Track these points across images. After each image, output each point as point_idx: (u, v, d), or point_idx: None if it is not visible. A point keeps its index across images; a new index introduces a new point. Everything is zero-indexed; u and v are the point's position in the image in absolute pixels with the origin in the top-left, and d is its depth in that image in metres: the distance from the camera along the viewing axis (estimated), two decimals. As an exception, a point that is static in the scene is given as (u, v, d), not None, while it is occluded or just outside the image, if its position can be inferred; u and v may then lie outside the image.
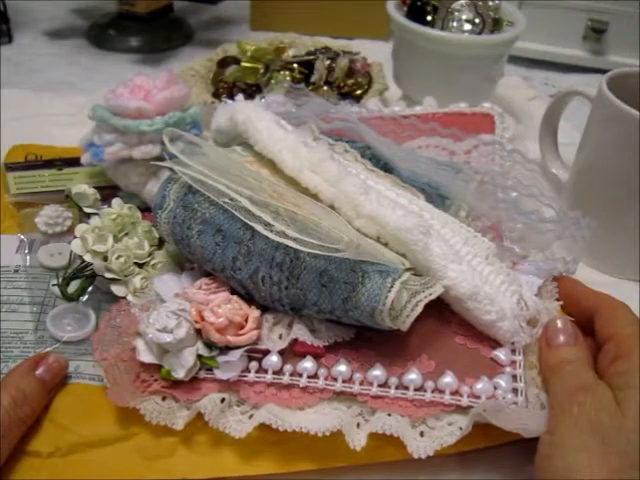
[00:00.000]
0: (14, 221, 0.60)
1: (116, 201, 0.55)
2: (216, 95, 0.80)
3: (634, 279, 0.63)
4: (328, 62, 0.82)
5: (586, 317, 0.47)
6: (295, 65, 0.83)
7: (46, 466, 0.43)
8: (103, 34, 1.04)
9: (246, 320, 0.47)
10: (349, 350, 0.46)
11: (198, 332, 0.46)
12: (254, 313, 0.47)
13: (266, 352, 0.46)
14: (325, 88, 0.80)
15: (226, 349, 0.46)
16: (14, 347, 0.49)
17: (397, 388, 0.44)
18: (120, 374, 0.45)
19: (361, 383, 0.44)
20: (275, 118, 0.56)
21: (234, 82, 0.82)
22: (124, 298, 0.51)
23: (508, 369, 0.45)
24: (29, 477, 0.42)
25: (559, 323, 0.46)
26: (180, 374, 0.44)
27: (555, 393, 0.42)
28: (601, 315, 0.46)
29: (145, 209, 0.57)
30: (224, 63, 0.86)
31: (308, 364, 0.45)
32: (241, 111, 0.56)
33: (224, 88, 0.82)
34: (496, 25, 0.79)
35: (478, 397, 0.43)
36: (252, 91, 0.79)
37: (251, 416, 0.44)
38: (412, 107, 0.69)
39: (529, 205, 0.56)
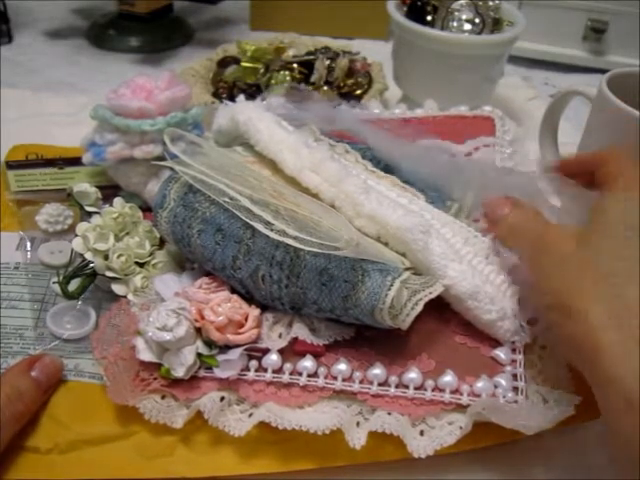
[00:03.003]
0: (15, 219, 0.60)
1: (117, 200, 0.55)
2: (216, 95, 0.80)
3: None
4: (328, 62, 0.82)
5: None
6: (295, 65, 0.83)
7: (44, 462, 0.43)
8: (103, 34, 1.04)
9: (246, 319, 0.47)
10: (349, 349, 0.47)
11: (198, 331, 0.46)
12: (254, 312, 0.47)
13: (266, 351, 0.46)
14: (325, 88, 0.80)
15: (226, 348, 0.46)
16: (14, 343, 0.49)
17: (397, 387, 0.44)
18: (120, 372, 0.45)
19: (361, 382, 0.44)
20: (276, 119, 0.56)
21: (234, 82, 0.82)
22: (124, 297, 0.51)
23: (508, 368, 0.45)
24: (27, 473, 0.42)
25: (494, 200, 0.49)
26: (180, 373, 0.44)
27: (521, 254, 0.46)
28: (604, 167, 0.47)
29: (146, 209, 0.57)
30: (224, 63, 0.86)
31: (308, 363, 0.45)
32: (242, 112, 0.56)
33: (224, 88, 0.82)
34: (496, 25, 0.79)
35: (478, 396, 0.43)
36: (252, 91, 0.79)
37: (251, 415, 0.44)
38: (413, 109, 0.69)
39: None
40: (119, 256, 0.51)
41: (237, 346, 0.45)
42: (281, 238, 0.44)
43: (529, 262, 0.45)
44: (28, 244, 0.57)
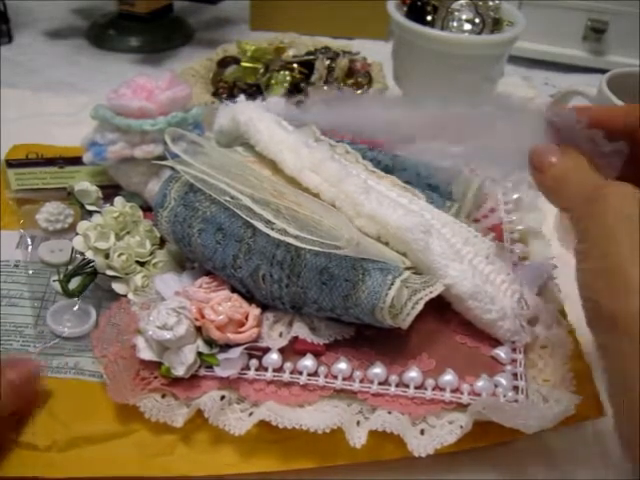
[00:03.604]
0: (15, 217, 0.60)
1: (118, 199, 0.55)
2: (216, 95, 0.80)
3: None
4: (328, 62, 0.82)
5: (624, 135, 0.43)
6: (295, 65, 0.83)
7: (43, 460, 0.43)
8: (103, 34, 1.04)
9: (246, 318, 0.47)
10: (349, 348, 0.47)
11: (198, 330, 0.46)
12: (254, 311, 0.47)
13: (266, 350, 0.46)
14: (325, 88, 0.80)
15: (226, 347, 0.46)
16: (14, 340, 0.49)
17: (397, 386, 0.44)
18: (120, 371, 0.45)
19: (361, 381, 0.45)
20: (276, 119, 0.56)
21: (234, 82, 0.82)
22: (125, 296, 0.51)
23: (509, 367, 0.45)
24: (26, 471, 0.42)
25: (541, 147, 0.43)
26: (180, 371, 0.44)
27: (569, 207, 0.41)
28: None
29: (147, 208, 0.57)
30: (224, 63, 0.86)
31: (308, 362, 0.45)
32: (242, 112, 0.56)
33: (224, 88, 0.82)
34: (496, 25, 0.79)
35: (479, 395, 0.43)
36: (252, 91, 0.79)
37: (251, 414, 0.44)
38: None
39: (529, 206, 0.57)
40: (120, 255, 0.51)
41: (237, 345, 0.45)
42: (282, 237, 0.44)
43: (577, 217, 0.40)
44: (28, 242, 0.57)
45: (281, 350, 0.46)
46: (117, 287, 0.51)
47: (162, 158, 0.53)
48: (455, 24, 0.78)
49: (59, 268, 0.52)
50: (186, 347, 0.45)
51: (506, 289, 0.48)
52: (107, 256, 0.51)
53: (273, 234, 0.44)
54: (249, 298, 0.48)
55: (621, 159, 0.43)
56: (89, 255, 0.51)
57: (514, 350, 0.46)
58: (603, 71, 0.64)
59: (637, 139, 0.43)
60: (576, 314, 0.52)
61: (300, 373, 0.45)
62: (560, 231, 0.64)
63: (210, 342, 0.46)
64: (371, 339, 0.47)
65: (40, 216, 0.58)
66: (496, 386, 0.44)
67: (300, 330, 0.46)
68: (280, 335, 0.47)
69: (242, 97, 0.62)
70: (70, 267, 0.52)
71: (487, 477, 0.45)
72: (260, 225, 0.45)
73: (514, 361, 0.46)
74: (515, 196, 0.58)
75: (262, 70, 0.83)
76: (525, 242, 0.54)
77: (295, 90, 0.78)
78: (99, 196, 0.57)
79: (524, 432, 0.42)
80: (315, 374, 0.45)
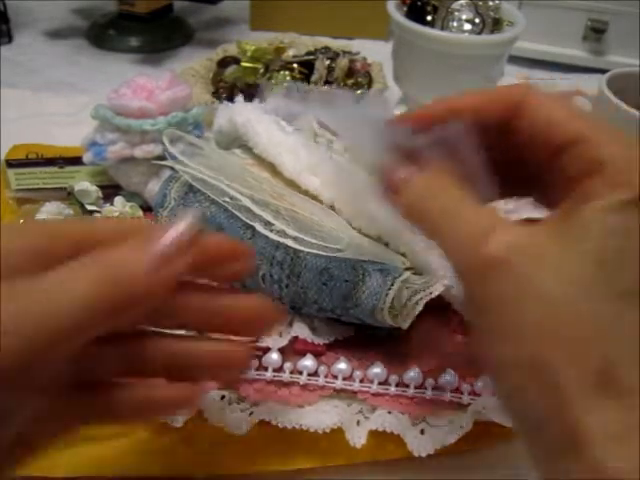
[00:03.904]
0: (15, 217, 0.60)
1: (119, 199, 0.55)
2: (216, 95, 0.80)
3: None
4: (328, 62, 0.82)
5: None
6: (295, 65, 0.83)
7: (42, 459, 0.42)
8: (103, 34, 1.04)
9: (246, 318, 0.47)
10: (349, 348, 0.47)
11: (198, 330, 0.46)
12: (254, 311, 0.47)
13: (266, 350, 0.46)
14: (325, 88, 0.80)
15: (226, 347, 0.46)
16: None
17: (397, 386, 0.44)
18: (120, 371, 0.45)
19: (361, 381, 0.45)
20: (275, 120, 0.56)
21: (234, 82, 0.82)
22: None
23: (508, 367, 0.45)
24: (24, 469, 0.42)
25: (393, 163, 0.33)
26: (180, 371, 0.44)
27: (438, 239, 0.31)
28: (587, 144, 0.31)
29: (147, 208, 0.57)
30: (224, 63, 0.86)
31: (308, 362, 0.45)
32: (240, 113, 0.56)
33: (224, 88, 0.82)
34: (496, 25, 0.79)
35: (479, 395, 0.43)
36: (252, 91, 0.79)
37: (251, 413, 0.44)
38: (413, 109, 0.68)
39: (528, 206, 0.56)
40: (120, 255, 0.51)
41: (237, 345, 0.45)
42: (281, 239, 0.44)
43: (460, 264, 0.30)
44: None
45: (281, 350, 0.46)
46: (117, 287, 0.51)
47: (162, 158, 0.53)
48: (455, 24, 0.78)
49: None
50: (186, 347, 0.45)
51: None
52: (107, 256, 0.51)
53: (272, 236, 0.44)
54: (249, 298, 0.48)
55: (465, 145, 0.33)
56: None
57: (514, 350, 0.46)
58: (603, 71, 0.64)
59: (513, 128, 0.33)
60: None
61: (300, 373, 0.45)
62: None
63: (210, 342, 0.46)
64: (371, 339, 0.47)
65: (40, 216, 0.58)
66: (496, 386, 0.44)
67: (300, 330, 0.46)
68: (280, 335, 0.47)
69: (240, 98, 0.62)
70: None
71: (487, 477, 0.45)
72: (259, 226, 0.45)
73: (514, 361, 0.46)
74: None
75: (262, 70, 0.83)
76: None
77: (295, 90, 0.79)
78: (99, 196, 0.57)
79: (524, 432, 0.42)
80: (315, 374, 0.45)
